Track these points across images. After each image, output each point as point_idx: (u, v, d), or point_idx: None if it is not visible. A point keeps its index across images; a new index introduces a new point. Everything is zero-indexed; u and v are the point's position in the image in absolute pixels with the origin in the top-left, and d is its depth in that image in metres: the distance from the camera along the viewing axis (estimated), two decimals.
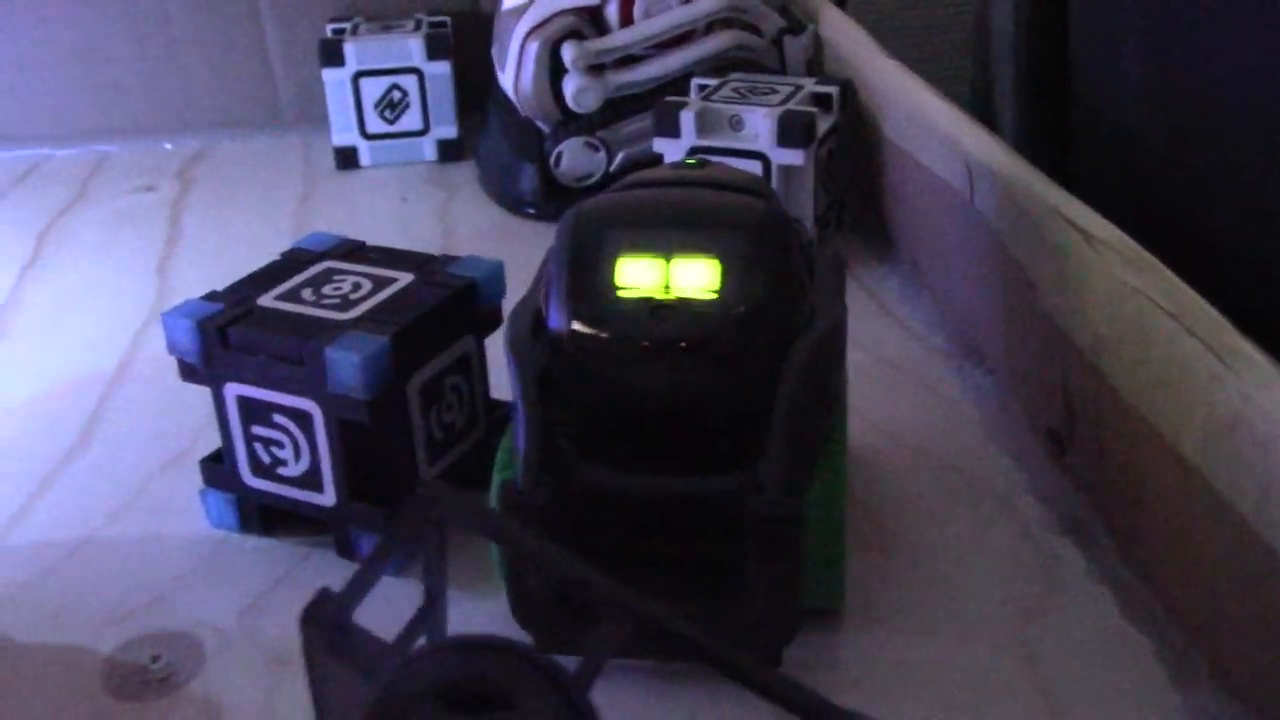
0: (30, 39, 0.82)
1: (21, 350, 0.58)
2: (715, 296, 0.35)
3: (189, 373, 0.42)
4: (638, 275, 0.35)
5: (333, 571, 0.41)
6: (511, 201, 0.71)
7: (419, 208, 0.72)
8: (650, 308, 0.35)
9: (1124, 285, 0.37)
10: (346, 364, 0.38)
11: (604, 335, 0.35)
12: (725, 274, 0.35)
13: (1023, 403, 0.47)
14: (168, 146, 0.84)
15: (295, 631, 0.32)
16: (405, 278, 0.43)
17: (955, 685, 0.36)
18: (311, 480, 0.41)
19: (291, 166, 0.79)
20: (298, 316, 0.40)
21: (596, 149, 0.68)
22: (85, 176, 0.79)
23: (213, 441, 0.44)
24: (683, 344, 0.35)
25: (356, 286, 0.42)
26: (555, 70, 0.66)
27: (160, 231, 0.70)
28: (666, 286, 0.35)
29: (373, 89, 0.76)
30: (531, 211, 0.70)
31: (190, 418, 0.50)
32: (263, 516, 0.43)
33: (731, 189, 0.39)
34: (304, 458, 0.41)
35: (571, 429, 0.37)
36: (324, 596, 0.23)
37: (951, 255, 0.52)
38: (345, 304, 0.41)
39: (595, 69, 0.66)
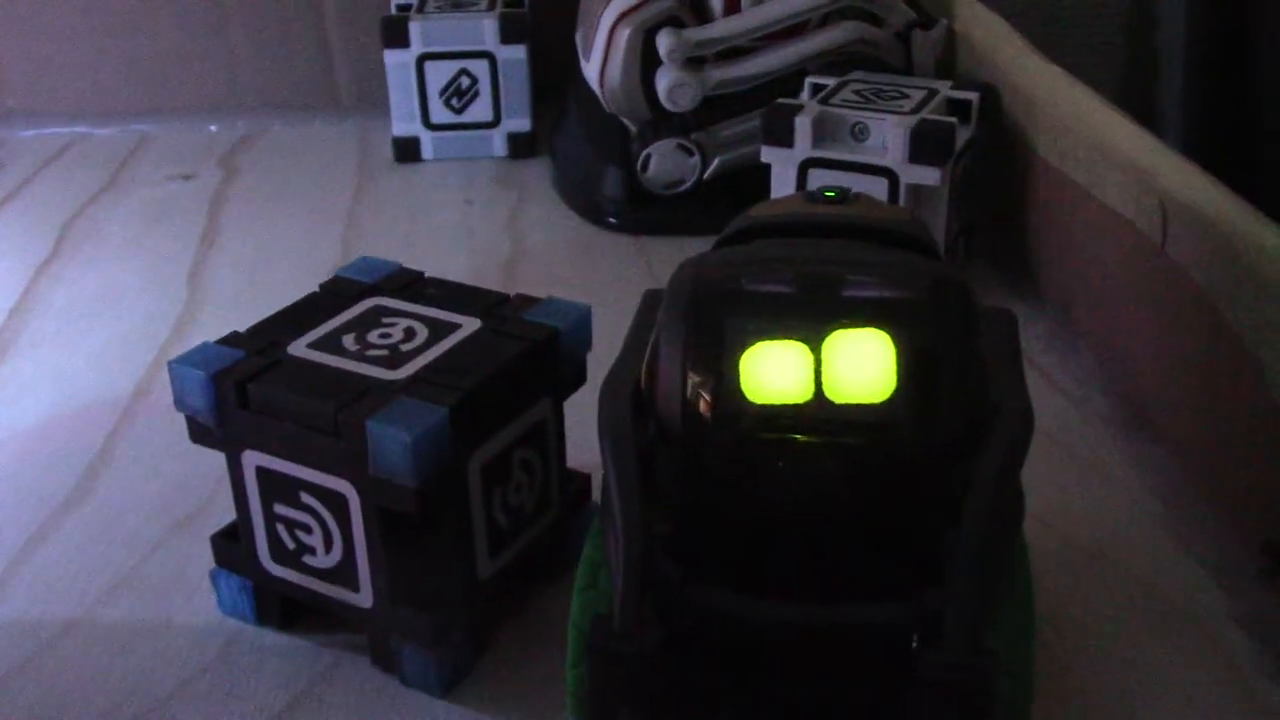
0: (71, 8, 0.74)
1: (26, 368, 0.50)
2: (880, 386, 0.26)
3: (201, 434, 0.34)
4: (780, 365, 0.26)
5: (367, 687, 0.33)
6: (590, 208, 0.62)
7: (484, 211, 0.64)
8: (799, 405, 0.26)
9: None
10: (394, 443, 0.30)
11: (735, 424, 0.27)
12: (894, 366, 0.26)
13: (1222, 498, 0.38)
14: (212, 129, 0.76)
15: None
16: (471, 324, 0.34)
17: None
18: (344, 575, 0.33)
19: (346, 157, 0.71)
20: (336, 372, 0.32)
21: (690, 153, 0.59)
22: (121, 159, 0.72)
23: (194, 538, 0.36)
24: (846, 441, 0.26)
25: (410, 334, 0.34)
26: (648, 62, 0.58)
27: (196, 228, 0.63)
28: (817, 376, 0.26)
29: (439, 74, 0.67)
30: (613, 221, 0.61)
31: (213, 466, 0.42)
32: (284, 608, 0.35)
33: (884, 238, 0.30)
34: (336, 547, 0.33)
35: (676, 539, 0.28)
36: None
37: (1127, 308, 0.43)
38: (395, 357, 0.33)
39: (693, 62, 0.57)
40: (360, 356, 0.33)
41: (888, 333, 0.27)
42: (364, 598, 0.33)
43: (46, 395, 0.48)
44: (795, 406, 0.26)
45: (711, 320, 0.27)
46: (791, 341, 0.27)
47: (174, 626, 0.36)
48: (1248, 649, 0.34)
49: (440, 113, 0.68)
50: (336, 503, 0.32)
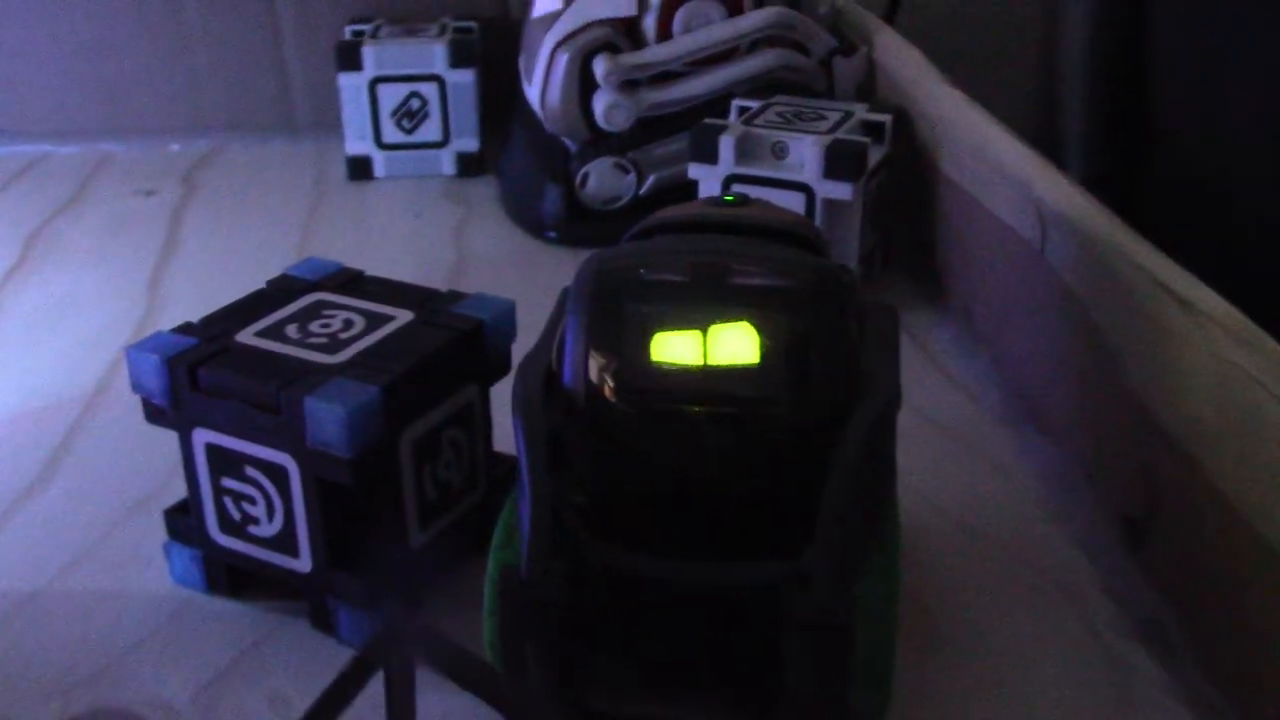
0: (36, 29, 0.77)
1: (6, 353, 0.53)
2: (758, 364, 0.30)
3: (155, 414, 0.37)
4: (672, 347, 0.30)
5: (305, 646, 0.37)
6: (532, 223, 0.66)
7: (433, 225, 0.67)
8: (688, 373, 0.30)
9: (1231, 366, 0.31)
10: (329, 417, 0.33)
11: (634, 399, 0.30)
12: (771, 347, 0.30)
13: (1095, 483, 0.42)
14: (174, 148, 0.79)
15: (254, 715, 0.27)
16: (404, 315, 0.38)
17: None
18: (285, 542, 0.36)
19: (302, 175, 0.75)
20: (279, 357, 0.35)
21: (626, 171, 0.63)
22: (85, 176, 0.75)
23: (150, 520, 0.40)
24: (729, 411, 0.30)
25: (348, 324, 0.37)
26: (585, 85, 0.62)
27: (157, 239, 0.66)
28: (705, 355, 0.30)
29: (391, 96, 0.71)
30: (553, 235, 0.65)
31: (168, 454, 0.45)
32: (231, 576, 0.38)
33: (774, 236, 0.34)
34: (278, 517, 0.36)
35: (584, 504, 0.32)
36: None
37: (1015, 311, 0.47)
38: (334, 345, 0.36)
39: (628, 85, 0.61)
40: (302, 344, 0.36)
41: (765, 318, 0.30)
42: (303, 563, 0.36)
43: (11, 392, 0.51)
44: (685, 383, 0.30)
45: (612, 306, 0.31)
46: (682, 330, 0.30)
47: (129, 595, 0.39)
48: (1110, 612, 0.38)
49: (392, 133, 0.72)
50: (278, 475, 0.35)
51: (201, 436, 0.36)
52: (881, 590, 0.31)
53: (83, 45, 0.78)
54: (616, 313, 0.31)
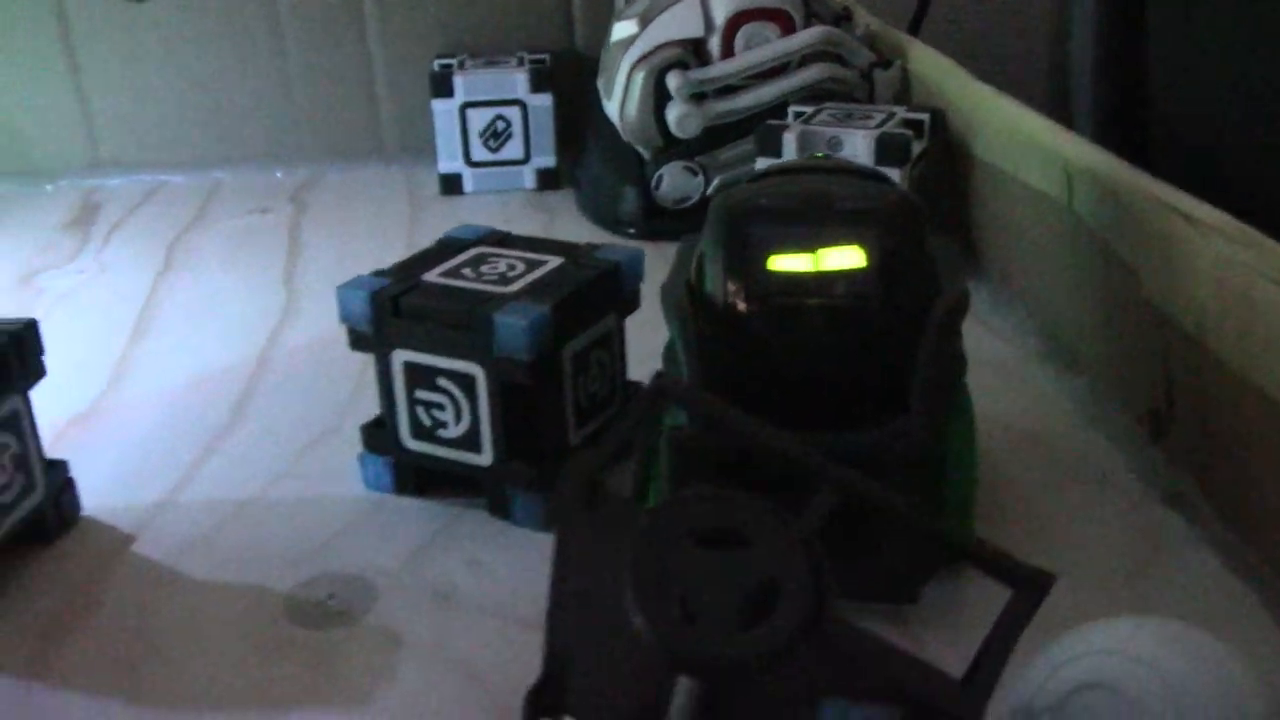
0: (152, 70, 0.87)
1: (164, 346, 0.62)
2: (857, 269, 0.38)
3: (359, 341, 0.45)
4: (789, 258, 0.39)
5: (486, 528, 0.45)
6: (613, 222, 0.75)
7: (522, 229, 0.76)
8: (802, 276, 0.38)
9: (1229, 261, 0.40)
10: (514, 328, 0.42)
11: (761, 298, 0.39)
12: (866, 254, 0.38)
13: (1120, 391, 0.50)
14: (278, 175, 0.88)
15: (457, 576, 0.36)
16: (555, 261, 0.47)
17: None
18: (470, 441, 0.44)
19: (397, 192, 0.84)
20: (462, 290, 0.44)
21: (695, 173, 0.72)
22: (203, 199, 0.84)
23: (359, 417, 0.48)
24: (833, 304, 0.38)
25: (511, 267, 0.46)
26: (659, 98, 0.71)
27: (281, 246, 0.75)
28: (815, 263, 0.38)
29: (478, 119, 0.80)
30: (632, 231, 0.73)
31: (333, 400, 0.54)
32: (418, 479, 0.47)
33: (860, 175, 0.43)
34: (464, 419, 0.44)
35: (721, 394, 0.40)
36: (582, 457, 0.26)
37: (1047, 261, 0.56)
38: (504, 280, 0.45)
39: (697, 97, 0.70)
40: (478, 280, 0.45)
41: (861, 233, 0.39)
42: (485, 458, 0.44)
43: (185, 364, 0.60)
44: (799, 284, 0.38)
45: (740, 226, 0.39)
46: (797, 244, 0.39)
47: (329, 499, 0.47)
48: (1140, 487, 0.46)
49: (479, 151, 0.81)
50: (467, 383, 0.44)
51: (400, 356, 0.45)
52: (961, 444, 0.39)
53: (194, 83, 0.87)
54: (744, 231, 0.39)
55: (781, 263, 0.39)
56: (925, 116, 0.66)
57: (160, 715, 0.36)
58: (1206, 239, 0.41)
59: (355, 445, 0.48)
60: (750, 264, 0.39)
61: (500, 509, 0.45)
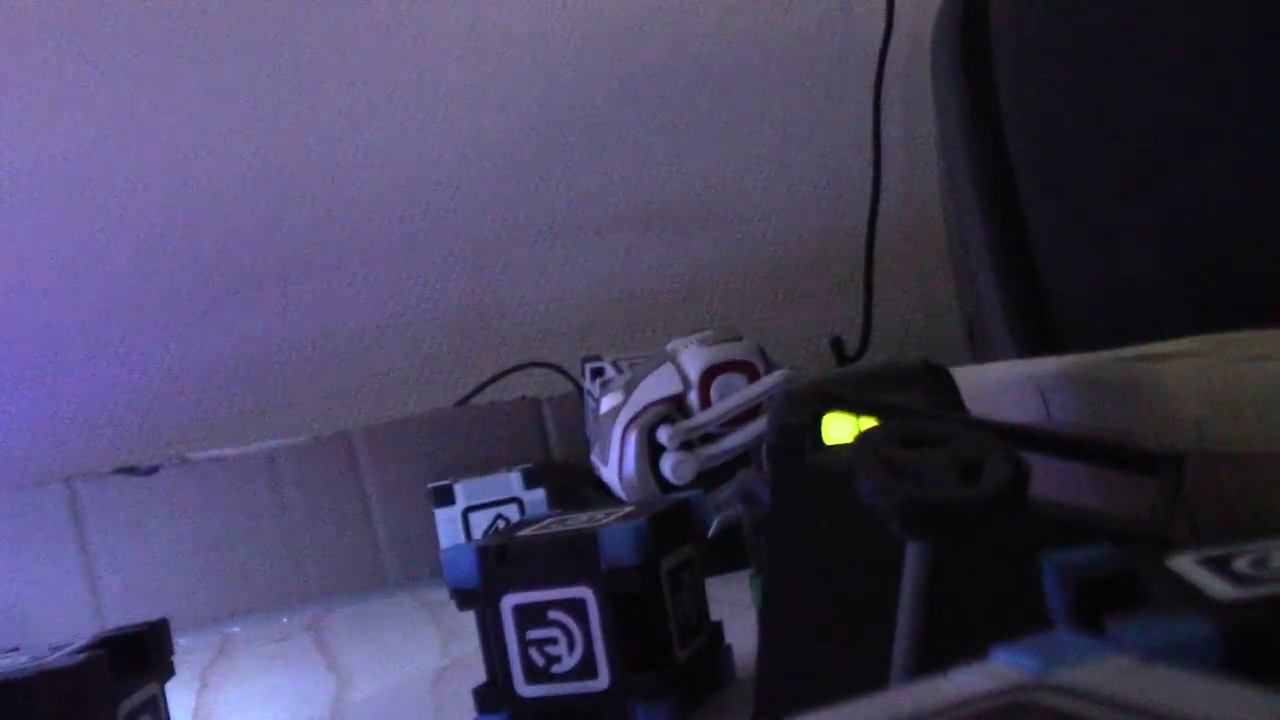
0: (158, 537, 0.92)
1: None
2: None
3: (466, 600, 0.49)
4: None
5: None
6: None
7: None
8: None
9: (1204, 370, 0.47)
10: (620, 535, 0.46)
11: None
12: None
13: None
14: (284, 620, 0.91)
15: None
16: (629, 508, 0.52)
17: None
18: (586, 668, 0.47)
19: (412, 609, 0.87)
20: (560, 531, 0.49)
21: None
22: (215, 652, 0.86)
23: None
24: None
25: (593, 517, 0.51)
26: (653, 452, 0.78)
27: (314, 656, 0.77)
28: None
29: (480, 521, 0.86)
30: None
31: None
32: None
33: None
34: (578, 648, 0.47)
35: None
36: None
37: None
38: (594, 521, 0.50)
39: (686, 445, 0.78)
40: (569, 525, 0.50)
41: None
42: (602, 681, 0.47)
43: None
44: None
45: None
46: None
47: None
48: None
49: None
50: (577, 609, 0.47)
51: (509, 601, 0.48)
52: None
53: (203, 544, 0.92)
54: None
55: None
56: None
57: None
58: (1177, 362, 0.49)
59: None
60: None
61: None
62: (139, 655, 0.45)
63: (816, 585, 0.35)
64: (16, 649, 0.47)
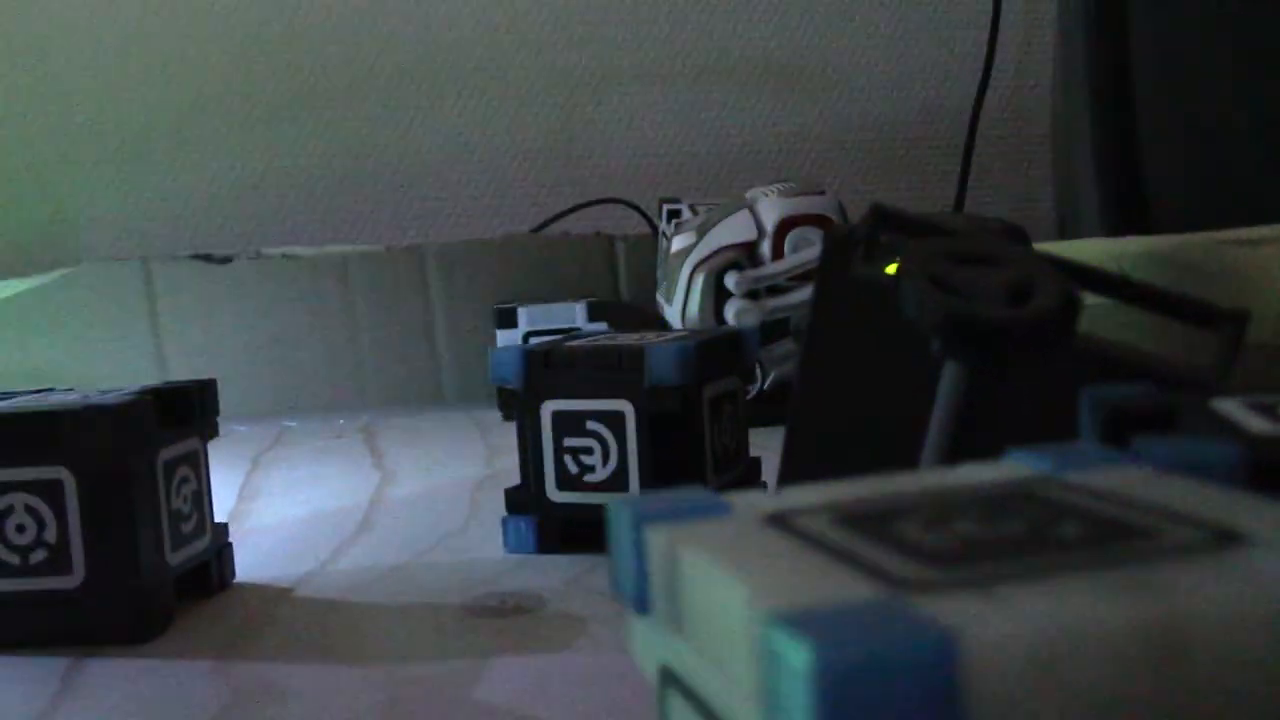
0: (229, 324, 0.93)
1: (275, 501, 0.65)
2: None
3: (509, 399, 0.49)
4: None
5: None
6: None
7: None
8: None
9: None
10: (666, 355, 0.46)
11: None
12: None
13: None
14: (340, 421, 0.93)
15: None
16: (683, 332, 0.51)
17: None
18: (618, 481, 0.47)
19: (464, 425, 0.88)
20: (607, 344, 0.49)
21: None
22: (273, 439, 0.88)
23: (482, 520, 0.51)
24: None
25: (643, 336, 0.51)
26: (719, 297, 0.77)
27: (363, 454, 0.78)
28: None
29: None
30: None
31: (451, 516, 0.57)
32: (563, 532, 0.49)
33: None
34: (612, 460, 0.47)
35: None
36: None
37: None
38: (643, 339, 0.49)
39: (753, 294, 0.77)
40: (618, 340, 0.49)
41: None
42: (632, 494, 0.47)
43: (300, 505, 0.62)
44: None
45: None
46: None
47: (475, 563, 0.49)
48: None
49: None
50: (616, 422, 0.47)
51: (549, 407, 0.48)
52: None
53: (268, 340, 0.94)
54: None
55: None
56: None
57: (364, 671, 0.37)
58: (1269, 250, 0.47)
59: (481, 540, 0.51)
60: None
61: None
62: (185, 409, 0.46)
63: (847, 401, 0.34)
64: (71, 389, 0.48)
